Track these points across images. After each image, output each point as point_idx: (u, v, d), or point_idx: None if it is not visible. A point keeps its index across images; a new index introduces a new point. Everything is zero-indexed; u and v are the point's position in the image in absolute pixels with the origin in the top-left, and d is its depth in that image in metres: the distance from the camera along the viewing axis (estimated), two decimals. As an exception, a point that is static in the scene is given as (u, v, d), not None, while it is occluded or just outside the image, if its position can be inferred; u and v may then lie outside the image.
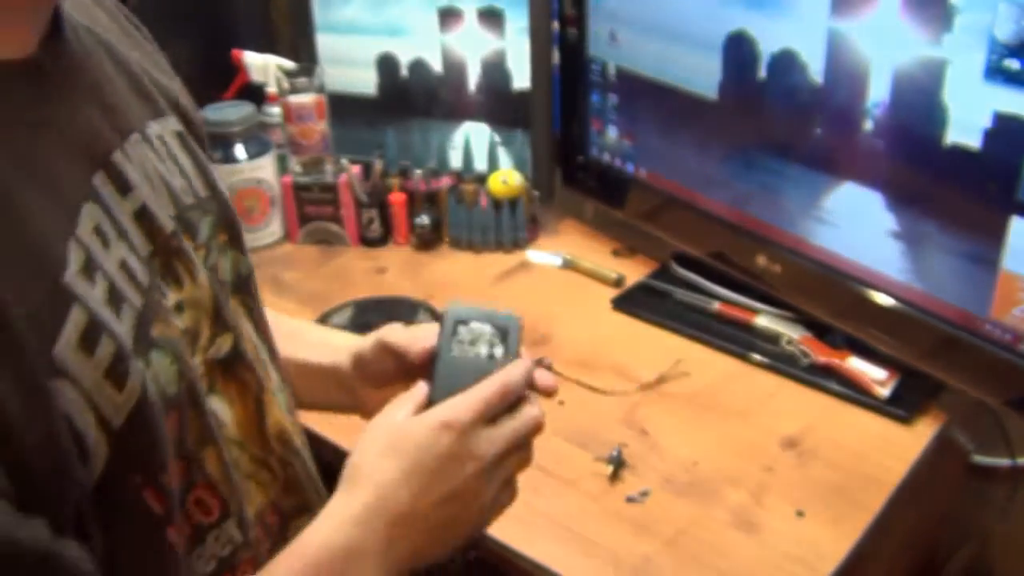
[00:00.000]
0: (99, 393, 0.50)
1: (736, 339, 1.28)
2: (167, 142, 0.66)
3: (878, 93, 1.05)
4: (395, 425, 0.67)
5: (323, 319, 1.33)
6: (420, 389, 0.69)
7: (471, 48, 1.54)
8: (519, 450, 0.71)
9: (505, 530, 0.99)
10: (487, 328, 0.77)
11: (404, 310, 1.36)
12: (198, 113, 0.76)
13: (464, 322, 0.76)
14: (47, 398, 0.47)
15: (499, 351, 0.76)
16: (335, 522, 0.63)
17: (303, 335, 0.88)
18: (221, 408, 0.67)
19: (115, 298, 0.53)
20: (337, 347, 0.85)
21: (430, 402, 0.70)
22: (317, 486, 0.78)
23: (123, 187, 0.58)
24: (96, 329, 0.51)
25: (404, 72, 1.59)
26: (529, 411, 0.71)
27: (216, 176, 0.72)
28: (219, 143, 1.51)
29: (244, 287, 0.74)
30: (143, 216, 0.59)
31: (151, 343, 0.56)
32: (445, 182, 1.53)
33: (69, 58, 0.57)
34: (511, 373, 0.70)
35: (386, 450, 0.65)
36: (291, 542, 0.64)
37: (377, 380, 0.81)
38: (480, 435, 0.67)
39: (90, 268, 0.52)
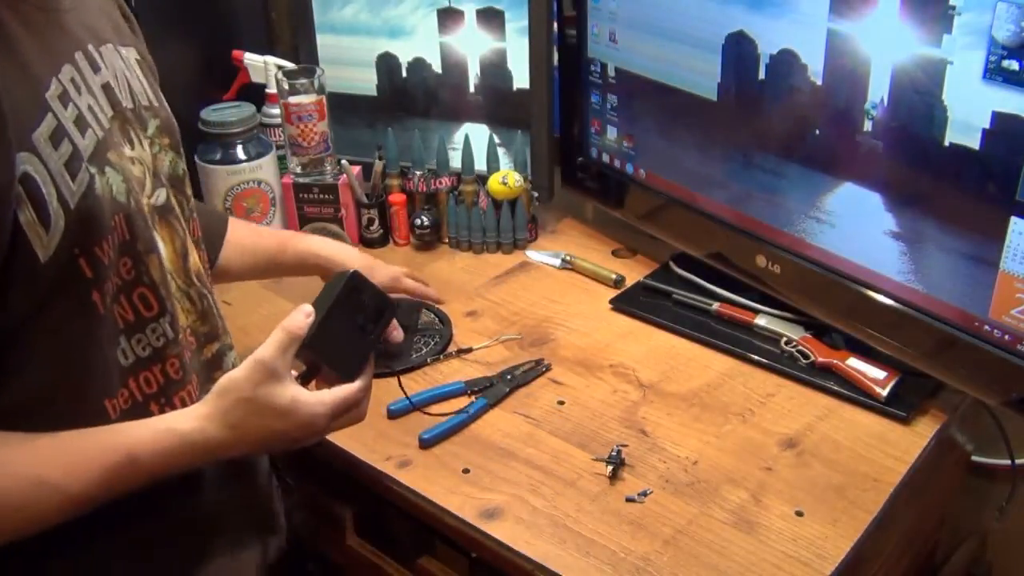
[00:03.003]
0: (60, 176, 0.74)
1: (736, 339, 1.28)
2: (130, 60, 0.92)
3: (878, 93, 1.06)
4: (269, 377, 0.85)
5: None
6: (298, 327, 0.87)
7: (471, 48, 1.55)
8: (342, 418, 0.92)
9: (505, 530, 0.99)
10: (371, 304, 0.93)
11: (404, 310, 1.36)
12: (154, 66, 1.00)
13: (358, 292, 0.91)
14: (15, 162, 0.70)
15: (371, 327, 0.93)
16: (185, 417, 0.85)
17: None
18: (159, 241, 0.87)
19: (81, 123, 0.78)
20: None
21: (304, 343, 0.87)
22: (222, 321, 0.99)
23: (94, 67, 0.83)
24: (61, 133, 0.75)
25: (404, 72, 1.59)
26: (358, 412, 0.93)
27: (164, 99, 0.96)
28: (219, 144, 1.51)
29: (179, 184, 0.95)
30: (107, 89, 0.84)
31: (107, 161, 0.80)
32: (445, 182, 1.53)
33: None
34: (356, 395, 0.91)
35: (250, 395, 0.84)
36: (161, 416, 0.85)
37: None
38: (319, 420, 0.88)
39: (64, 99, 0.77)
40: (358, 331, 0.92)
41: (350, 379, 0.91)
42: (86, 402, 0.81)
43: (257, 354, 0.86)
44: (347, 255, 1.26)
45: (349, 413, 0.91)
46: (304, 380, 0.91)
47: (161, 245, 0.88)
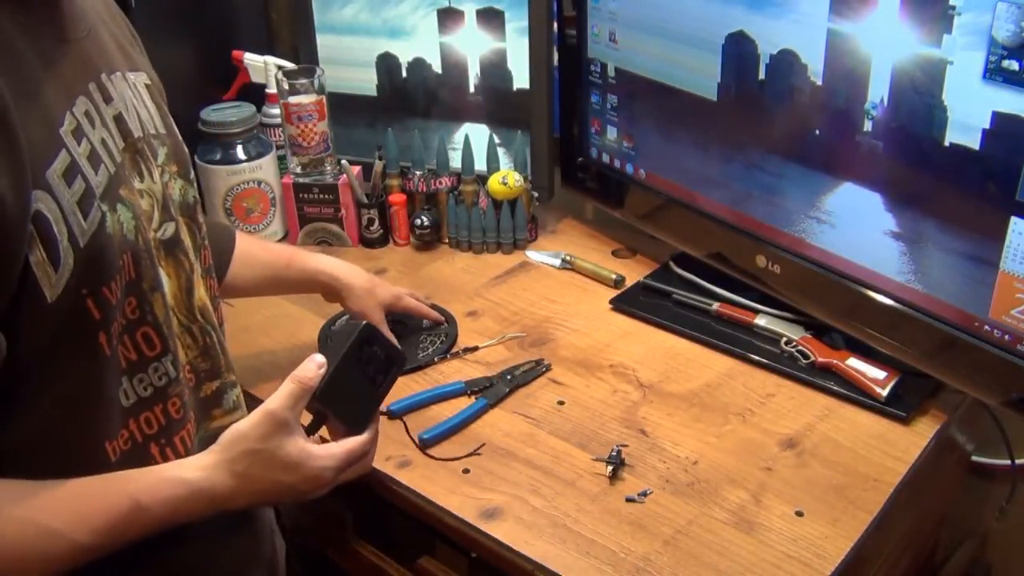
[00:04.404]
0: (72, 215, 0.72)
1: (736, 339, 1.28)
2: (139, 87, 0.89)
3: (878, 93, 1.06)
4: (279, 429, 0.85)
5: (331, 323, 1.34)
6: (309, 380, 0.87)
7: (471, 48, 1.55)
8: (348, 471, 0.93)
9: (505, 530, 0.99)
10: (382, 356, 0.93)
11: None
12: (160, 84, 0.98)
13: (369, 344, 0.92)
14: (30, 200, 0.68)
15: (380, 378, 0.94)
16: (191, 466, 0.84)
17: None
18: (163, 277, 0.86)
19: (94, 159, 0.76)
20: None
21: (315, 396, 0.87)
22: (227, 359, 0.96)
23: (107, 97, 0.81)
24: (74, 170, 0.73)
25: (404, 72, 1.59)
26: (364, 463, 0.95)
27: (173, 124, 0.94)
28: (219, 144, 1.51)
29: (190, 211, 0.93)
30: (119, 120, 0.82)
31: (118, 198, 0.78)
32: (445, 182, 1.53)
33: (74, 4, 0.81)
34: (364, 448, 0.92)
35: (259, 447, 0.84)
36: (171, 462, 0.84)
37: None
38: (327, 473, 0.89)
39: (78, 134, 0.75)
40: (368, 382, 0.92)
41: (359, 431, 0.91)
42: (87, 445, 0.78)
43: (267, 405, 0.85)
44: (351, 274, 1.24)
45: (357, 464, 0.91)
46: (310, 431, 0.90)
47: (165, 281, 0.86)
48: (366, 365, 0.91)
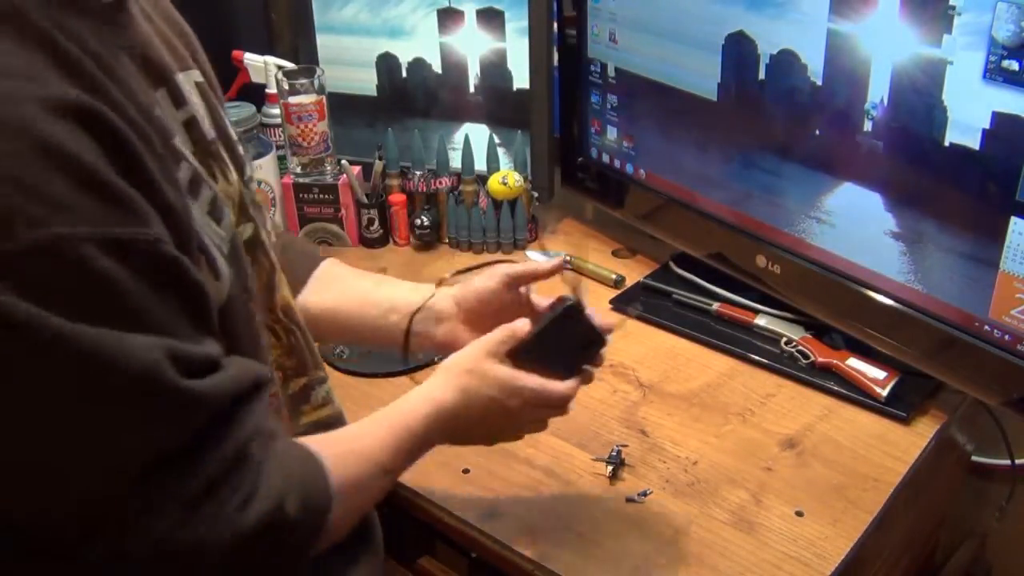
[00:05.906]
0: (208, 226, 0.71)
1: (736, 339, 1.28)
2: (190, 87, 0.83)
3: (877, 93, 1.06)
4: (489, 355, 0.91)
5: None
6: (521, 330, 0.93)
7: (471, 48, 1.55)
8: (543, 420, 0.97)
9: (505, 530, 0.99)
10: (581, 333, 0.95)
11: None
12: (210, 69, 0.92)
13: (570, 320, 0.95)
14: (188, 209, 0.67)
15: (577, 352, 0.95)
16: (423, 407, 0.89)
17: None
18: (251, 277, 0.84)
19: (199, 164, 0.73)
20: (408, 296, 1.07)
21: (517, 351, 0.92)
22: (314, 355, 0.95)
23: (178, 102, 0.76)
24: (198, 179, 0.72)
25: (404, 72, 1.59)
26: (556, 409, 0.95)
27: (227, 121, 0.88)
28: (219, 143, 1.51)
29: (260, 213, 0.90)
30: (190, 125, 0.77)
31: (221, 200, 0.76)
32: (445, 182, 1.53)
33: (135, 6, 0.77)
34: (565, 391, 0.93)
35: (472, 367, 0.91)
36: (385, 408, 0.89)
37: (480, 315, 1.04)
38: (528, 409, 0.92)
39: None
40: (563, 354, 0.95)
41: None
42: None
43: (479, 340, 0.93)
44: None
45: (550, 408, 0.95)
46: None
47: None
48: (564, 340, 0.95)
